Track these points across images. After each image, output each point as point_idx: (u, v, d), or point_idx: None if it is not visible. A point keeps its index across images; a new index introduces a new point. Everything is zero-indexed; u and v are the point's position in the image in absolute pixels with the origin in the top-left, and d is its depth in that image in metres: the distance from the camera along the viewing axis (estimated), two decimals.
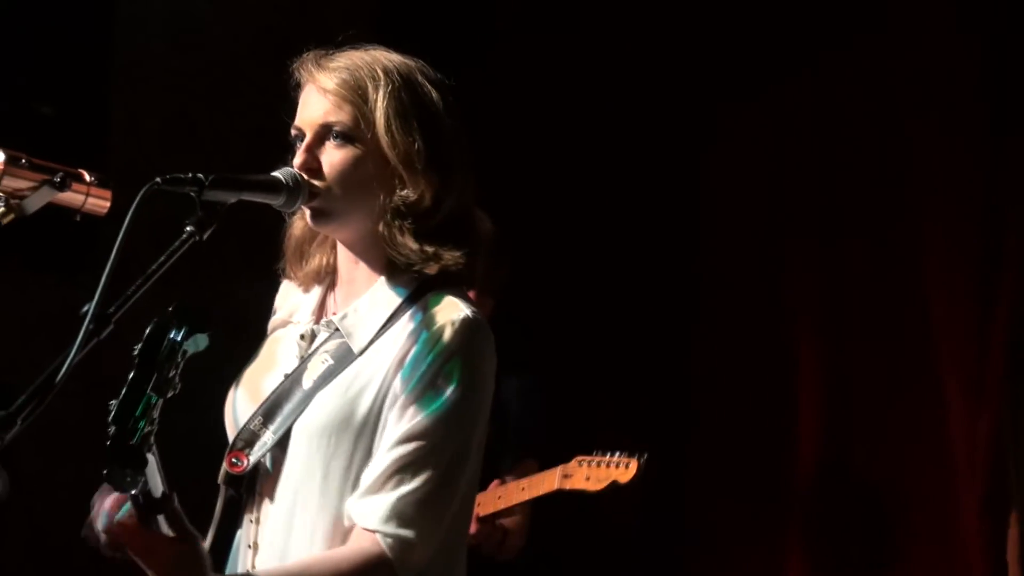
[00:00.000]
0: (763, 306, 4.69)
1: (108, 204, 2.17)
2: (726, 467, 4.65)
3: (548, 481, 3.79)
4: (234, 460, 2.21)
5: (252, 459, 2.20)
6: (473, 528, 3.76)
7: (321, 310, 2.32)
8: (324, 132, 2.21)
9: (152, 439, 1.81)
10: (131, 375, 1.81)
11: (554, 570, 4.50)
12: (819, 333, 4.55)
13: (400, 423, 2.13)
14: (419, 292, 2.21)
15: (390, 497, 2.11)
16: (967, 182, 4.27)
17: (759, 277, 4.71)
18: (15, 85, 4.74)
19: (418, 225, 2.19)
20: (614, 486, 3.70)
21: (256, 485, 2.23)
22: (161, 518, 1.95)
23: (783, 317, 4.64)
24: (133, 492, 1.90)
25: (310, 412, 2.18)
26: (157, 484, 1.92)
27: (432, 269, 2.19)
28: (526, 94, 5.06)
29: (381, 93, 2.19)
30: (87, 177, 2.16)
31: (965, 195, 4.27)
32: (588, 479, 3.73)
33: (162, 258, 1.95)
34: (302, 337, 2.29)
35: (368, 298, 2.23)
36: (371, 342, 2.20)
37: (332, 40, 2.30)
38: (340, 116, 2.19)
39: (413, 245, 2.18)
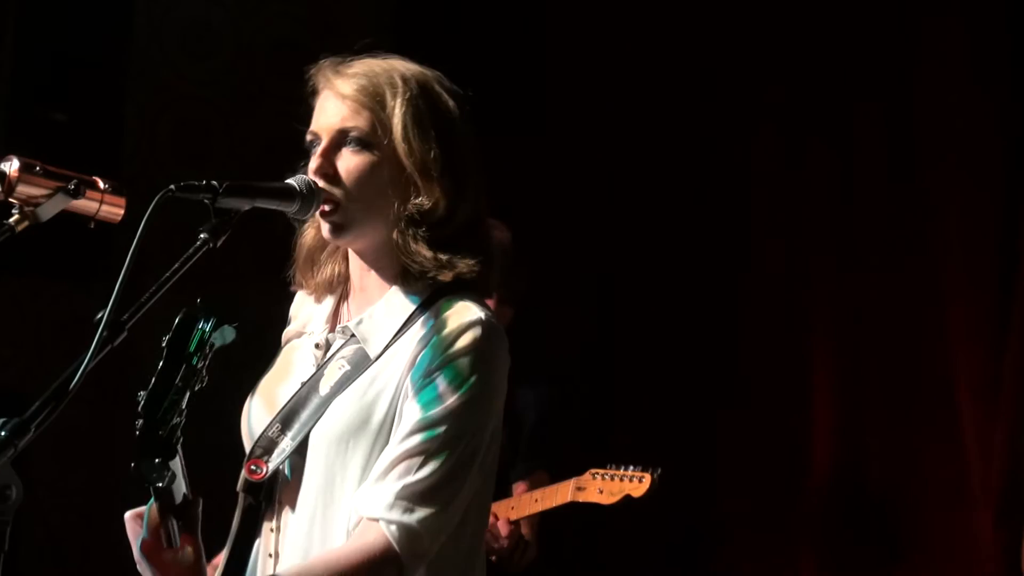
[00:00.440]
0: (780, 312, 4.70)
1: (122, 212, 2.16)
2: (742, 470, 4.66)
3: (561, 493, 3.79)
4: (253, 467, 2.20)
5: (272, 466, 2.19)
6: (505, 530, 3.77)
7: (335, 319, 2.31)
8: (340, 138, 2.20)
9: (180, 432, 1.81)
10: (159, 367, 1.82)
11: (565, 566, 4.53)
12: (834, 338, 4.57)
13: (410, 417, 2.12)
14: (433, 298, 2.20)
15: (396, 485, 2.09)
16: (985, 188, 4.28)
17: (779, 285, 4.72)
18: (30, 92, 4.76)
19: (432, 233, 2.18)
20: (627, 500, 3.69)
21: (275, 493, 2.22)
22: (175, 522, 1.94)
23: (799, 322, 4.66)
24: (159, 485, 1.87)
25: (328, 418, 2.17)
26: (181, 485, 1.91)
27: (446, 276, 2.18)
28: (548, 107, 5.08)
29: (399, 100, 2.18)
30: (101, 184, 2.14)
31: (982, 201, 4.28)
32: (601, 492, 3.72)
33: (176, 265, 1.94)
34: (317, 346, 2.28)
35: (383, 304, 2.23)
36: (387, 347, 2.19)
37: (347, 50, 2.29)
38: (357, 122, 2.19)
39: (427, 253, 2.17)
